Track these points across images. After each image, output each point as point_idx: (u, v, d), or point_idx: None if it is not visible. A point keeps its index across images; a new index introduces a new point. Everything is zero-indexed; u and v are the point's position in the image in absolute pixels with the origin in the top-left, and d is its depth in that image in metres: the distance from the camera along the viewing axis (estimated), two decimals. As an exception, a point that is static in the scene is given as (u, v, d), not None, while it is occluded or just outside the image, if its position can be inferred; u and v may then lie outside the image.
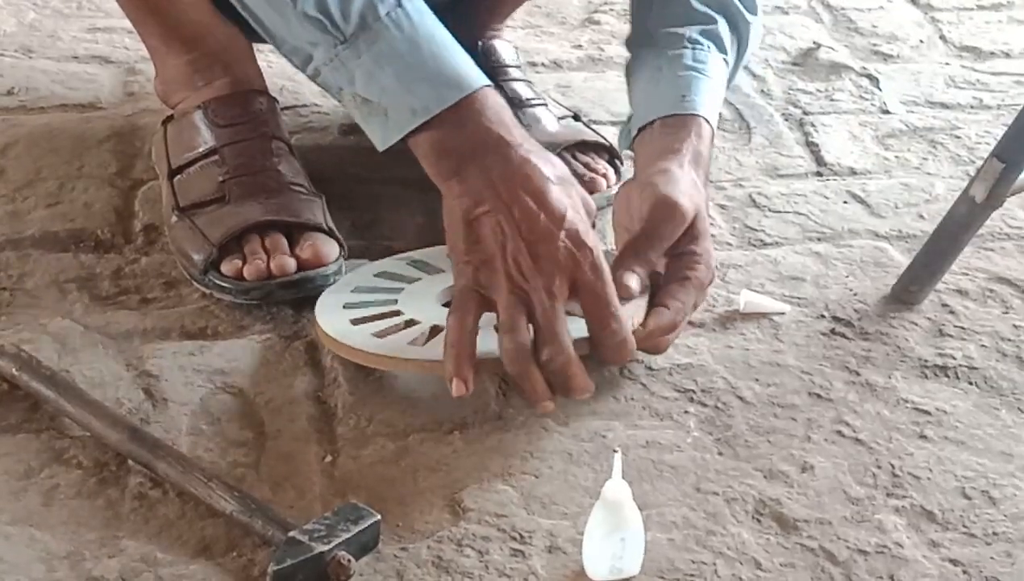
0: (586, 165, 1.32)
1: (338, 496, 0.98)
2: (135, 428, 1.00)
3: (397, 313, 1.11)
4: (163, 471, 0.97)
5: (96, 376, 1.08)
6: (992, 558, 0.94)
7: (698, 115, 1.16)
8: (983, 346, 1.15)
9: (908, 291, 1.20)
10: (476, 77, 1.04)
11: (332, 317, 1.11)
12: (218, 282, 1.16)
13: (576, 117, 1.35)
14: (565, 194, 1.03)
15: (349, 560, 0.90)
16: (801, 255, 1.27)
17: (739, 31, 1.23)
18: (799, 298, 1.21)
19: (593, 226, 1.05)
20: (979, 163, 1.33)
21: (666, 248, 1.10)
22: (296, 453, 1.02)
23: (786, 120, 1.49)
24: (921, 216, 1.33)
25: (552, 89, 1.52)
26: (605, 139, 1.35)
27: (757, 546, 0.95)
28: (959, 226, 1.18)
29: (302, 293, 1.16)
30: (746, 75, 1.57)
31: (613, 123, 1.46)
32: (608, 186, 1.31)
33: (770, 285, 1.22)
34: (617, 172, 1.33)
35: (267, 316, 1.16)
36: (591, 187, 1.29)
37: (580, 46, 1.62)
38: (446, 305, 1.09)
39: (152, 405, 1.06)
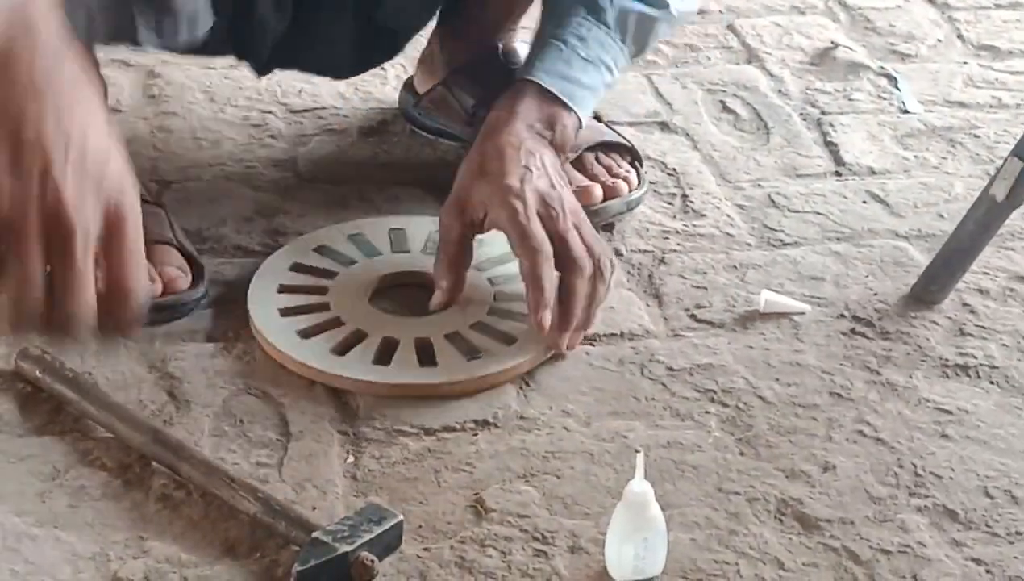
0: (608, 168, 1.31)
1: (360, 497, 0.98)
2: (157, 430, 1.01)
3: (325, 306, 1.14)
4: (186, 472, 0.98)
5: (119, 378, 1.09)
6: (1015, 557, 0.94)
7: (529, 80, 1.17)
8: (1004, 345, 1.15)
9: (928, 291, 1.20)
10: None
11: (264, 305, 1.14)
12: None
13: (597, 118, 1.35)
14: None
15: (373, 560, 0.90)
16: (821, 255, 1.27)
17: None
18: (819, 298, 1.21)
19: None
20: (998, 162, 1.33)
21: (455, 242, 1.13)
22: (319, 454, 1.02)
23: (804, 120, 1.49)
24: (941, 215, 1.33)
25: (570, 90, 1.52)
26: (627, 140, 1.35)
27: (779, 546, 0.95)
28: (979, 225, 1.18)
29: (174, 315, 1.14)
30: (764, 75, 1.57)
31: (631, 124, 1.47)
32: (630, 190, 1.30)
33: (790, 285, 1.22)
34: (638, 174, 1.33)
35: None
36: (613, 192, 1.29)
37: (597, 47, 1.62)
38: (372, 299, 1.16)
39: (175, 407, 1.06)
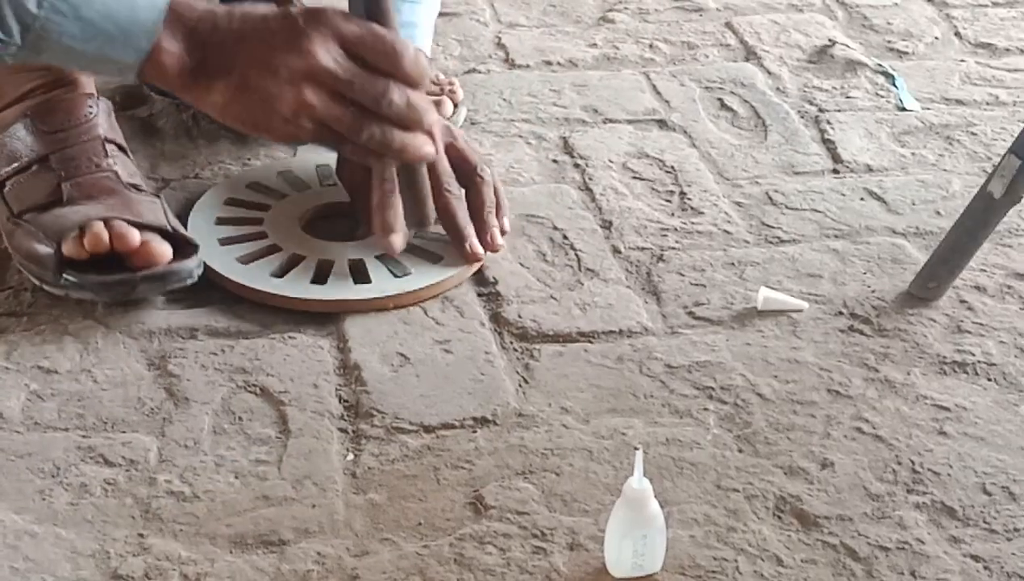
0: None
1: (360, 494, 0.98)
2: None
3: (262, 235, 1.22)
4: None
5: (118, 375, 1.09)
6: (1013, 554, 0.95)
7: None
8: (1002, 342, 1.15)
9: (926, 288, 1.21)
10: (151, 6, 1.02)
11: (204, 234, 1.21)
12: (74, 280, 1.12)
13: None
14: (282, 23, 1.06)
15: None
16: (819, 252, 1.27)
17: None
18: (817, 295, 1.21)
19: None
20: (995, 160, 1.34)
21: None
22: (318, 451, 1.02)
23: (802, 118, 1.49)
24: (938, 213, 1.33)
25: (568, 87, 1.53)
26: None
27: (778, 543, 0.95)
28: (977, 222, 1.18)
29: (169, 286, 1.14)
30: (761, 72, 1.57)
31: (629, 121, 1.47)
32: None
33: (788, 282, 1.23)
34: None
35: (290, 316, 1.16)
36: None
37: (595, 45, 1.63)
38: (305, 229, 1.24)
39: (174, 404, 1.06)
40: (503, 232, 1.24)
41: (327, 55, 1.04)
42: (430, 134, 1.10)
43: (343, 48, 1.05)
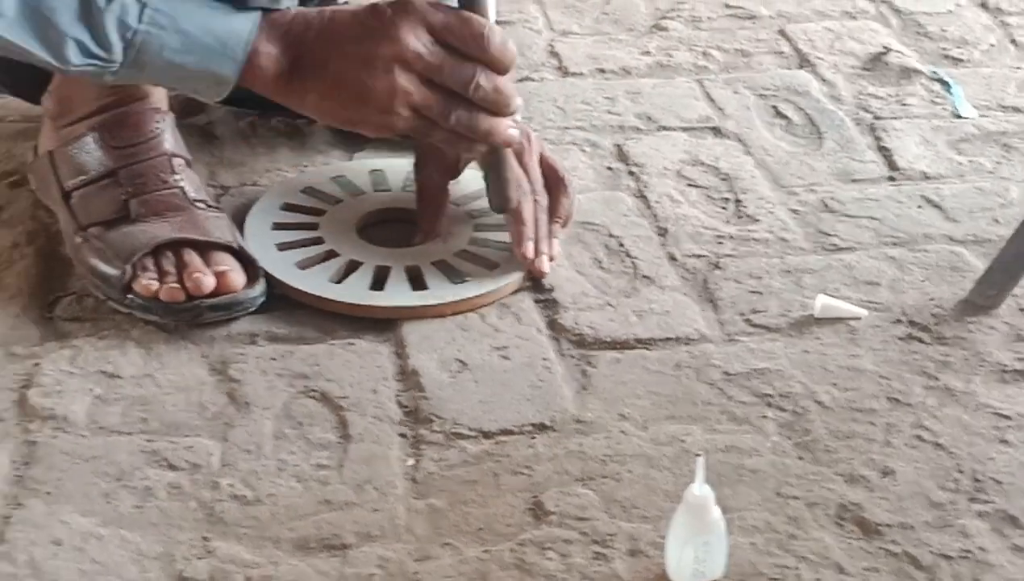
0: None
1: (421, 499, 0.99)
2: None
3: (319, 240, 1.24)
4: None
5: (180, 380, 1.10)
6: (1078, 563, 0.94)
7: None
8: (1063, 351, 1.15)
9: (985, 296, 1.20)
10: (246, 16, 1.06)
11: (261, 240, 1.23)
12: (141, 302, 1.14)
13: None
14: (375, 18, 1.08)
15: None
16: (876, 260, 1.26)
17: None
18: (875, 303, 1.21)
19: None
20: (1055, 167, 1.33)
21: None
22: (378, 456, 1.03)
23: (857, 125, 1.48)
24: (996, 220, 1.32)
25: (622, 95, 1.53)
26: None
27: (840, 551, 0.95)
28: (1037, 230, 1.18)
29: (232, 315, 1.15)
30: (816, 80, 1.57)
31: (683, 128, 1.47)
32: None
33: (845, 290, 1.22)
34: None
35: (349, 322, 1.17)
36: None
37: (648, 52, 1.63)
38: (359, 234, 1.25)
39: (236, 409, 1.07)
40: (551, 258, 1.22)
41: (416, 41, 1.07)
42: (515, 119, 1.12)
43: (431, 34, 1.08)
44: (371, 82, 1.07)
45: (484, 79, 1.09)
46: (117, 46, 1.03)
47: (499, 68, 1.10)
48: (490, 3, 1.24)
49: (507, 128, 1.12)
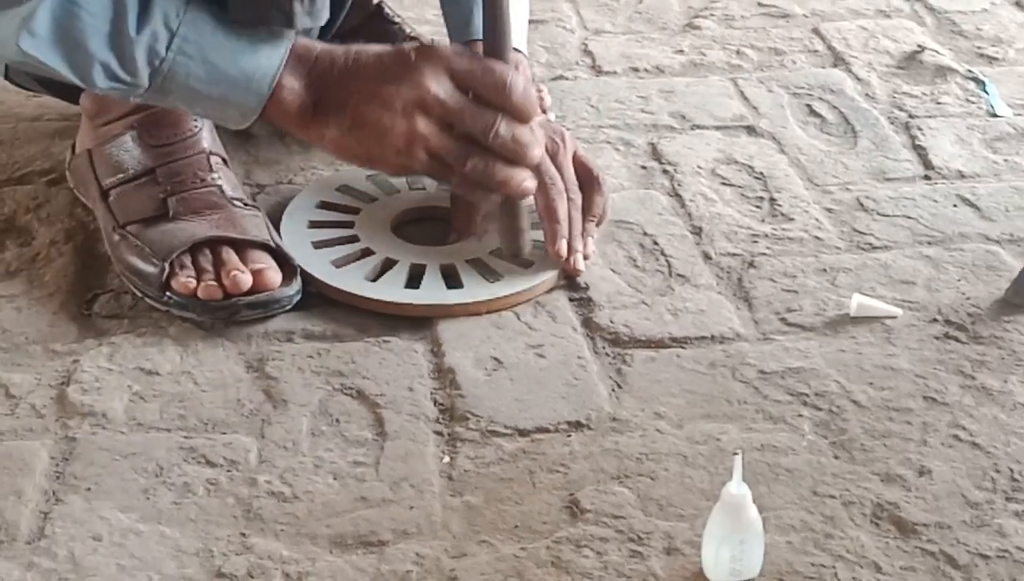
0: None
1: (457, 496, 0.99)
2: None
3: (354, 238, 1.24)
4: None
5: (217, 378, 1.11)
6: (1116, 564, 0.94)
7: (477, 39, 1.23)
8: (1100, 350, 1.14)
9: (1021, 295, 1.19)
10: (273, 51, 1.06)
11: (297, 238, 1.23)
12: (179, 300, 1.15)
13: None
14: (397, 60, 1.08)
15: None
16: (911, 259, 1.26)
17: None
18: (911, 302, 1.20)
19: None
20: (1093, 166, 1.32)
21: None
22: (414, 453, 1.03)
23: (891, 124, 1.48)
24: (1032, 220, 1.32)
25: (655, 94, 1.53)
26: None
27: (876, 550, 0.95)
28: (1075, 229, 1.17)
29: (269, 312, 1.15)
30: (850, 78, 1.56)
31: (717, 127, 1.47)
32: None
33: (881, 289, 1.22)
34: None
35: (384, 320, 1.17)
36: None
37: (682, 51, 1.63)
38: (394, 232, 1.26)
39: (273, 406, 1.08)
40: (585, 257, 1.23)
41: (438, 86, 1.06)
42: (535, 169, 1.13)
43: (454, 81, 1.07)
44: (390, 124, 1.06)
45: (504, 127, 1.08)
46: (144, 72, 1.04)
47: (521, 117, 1.09)
48: (523, 4, 1.25)
49: (523, 180, 1.11)
